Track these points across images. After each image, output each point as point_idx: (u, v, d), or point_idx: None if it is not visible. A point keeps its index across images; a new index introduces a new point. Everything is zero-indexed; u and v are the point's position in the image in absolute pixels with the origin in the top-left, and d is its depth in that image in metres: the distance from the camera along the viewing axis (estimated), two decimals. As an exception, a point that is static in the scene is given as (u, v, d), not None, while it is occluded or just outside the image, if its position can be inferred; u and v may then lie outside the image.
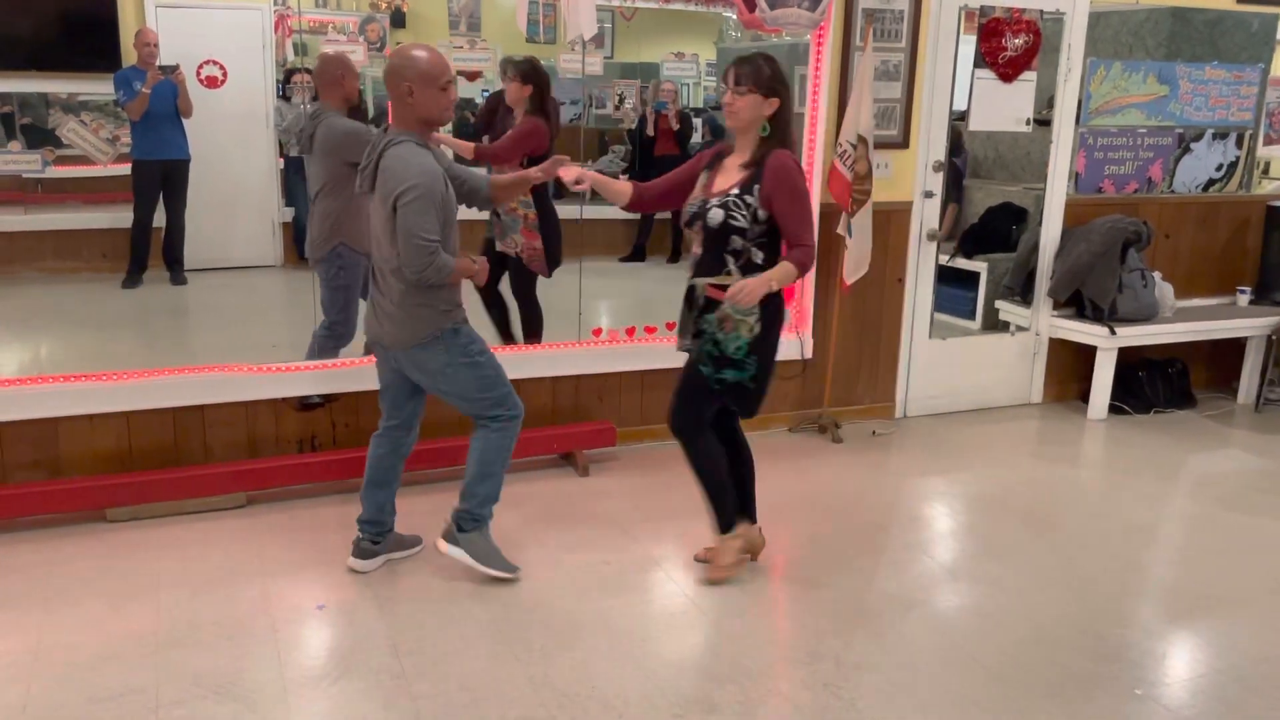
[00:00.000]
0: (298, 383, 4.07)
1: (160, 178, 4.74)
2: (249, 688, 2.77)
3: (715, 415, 3.34)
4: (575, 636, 3.08)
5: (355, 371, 4.12)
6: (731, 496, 3.42)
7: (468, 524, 3.37)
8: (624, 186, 3.40)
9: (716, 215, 3.14)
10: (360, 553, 3.45)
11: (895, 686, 2.88)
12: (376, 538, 3.47)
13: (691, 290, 3.28)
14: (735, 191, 3.14)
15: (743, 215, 3.12)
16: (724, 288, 3.12)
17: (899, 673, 2.95)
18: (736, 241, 3.15)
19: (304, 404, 4.14)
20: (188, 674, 2.81)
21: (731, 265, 3.17)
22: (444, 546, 3.38)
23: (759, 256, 3.17)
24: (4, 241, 4.56)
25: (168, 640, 2.98)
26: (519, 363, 4.40)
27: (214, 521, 3.81)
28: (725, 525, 3.43)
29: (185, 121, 4.75)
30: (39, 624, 3.07)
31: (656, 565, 3.57)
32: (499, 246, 4.65)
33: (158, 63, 4.57)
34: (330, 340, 4.23)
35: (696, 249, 3.26)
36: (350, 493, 4.07)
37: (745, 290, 3.03)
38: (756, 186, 3.12)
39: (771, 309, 3.19)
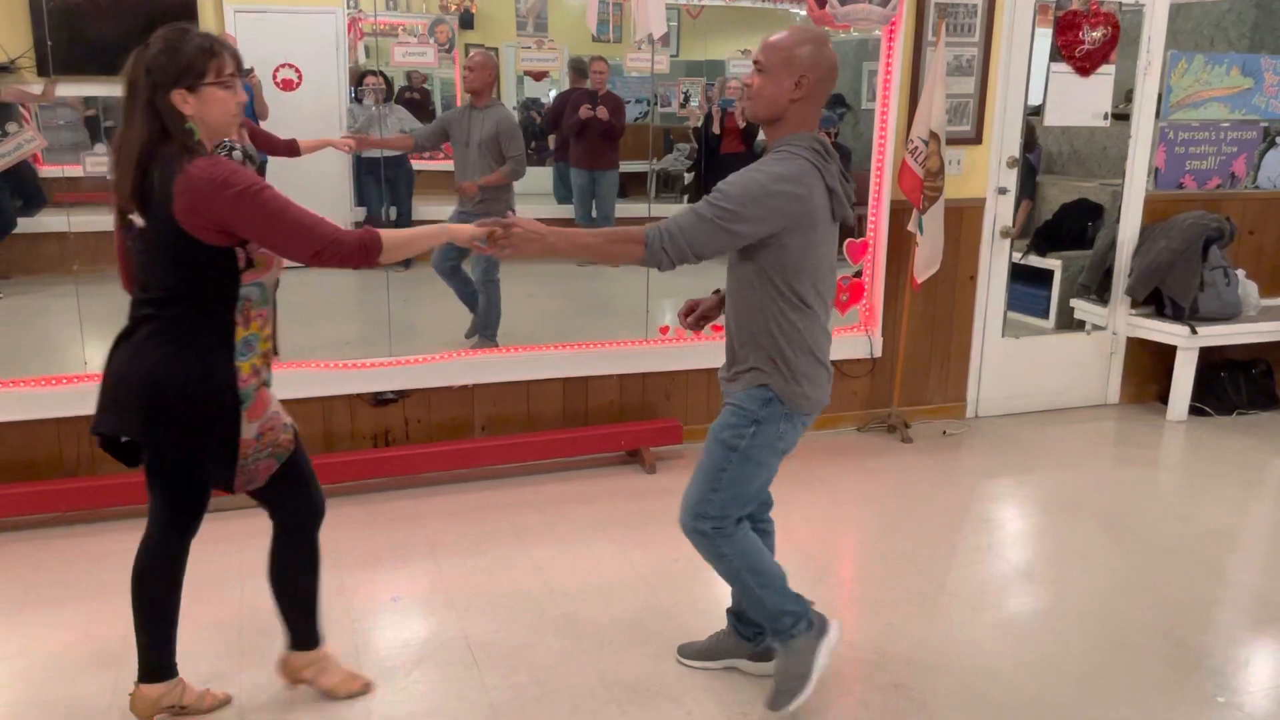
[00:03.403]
0: (374, 379, 4.15)
1: None
2: (327, 676, 2.84)
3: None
4: (645, 632, 3.10)
5: (428, 368, 4.20)
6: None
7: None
8: None
9: None
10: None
11: (967, 689, 2.84)
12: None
13: None
14: None
15: None
16: None
17: (971, 675, 2.92)
18: None
19: (379, 400, 4.22)
20: (269, 662, 2.88)
21: None
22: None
23: None
24: (91, 241, 4.70)
25: (251, 629, 3.06)
26: (587, 361, 4.44)
27: (292, 514, 3.90)
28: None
29: (262, 124, 4.86)
30: (128, 611, 3.16)
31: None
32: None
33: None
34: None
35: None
36: (422, 486, 4.16)
37: None
38: None
39: None
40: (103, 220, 4.80)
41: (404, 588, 3.37)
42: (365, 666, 2.88)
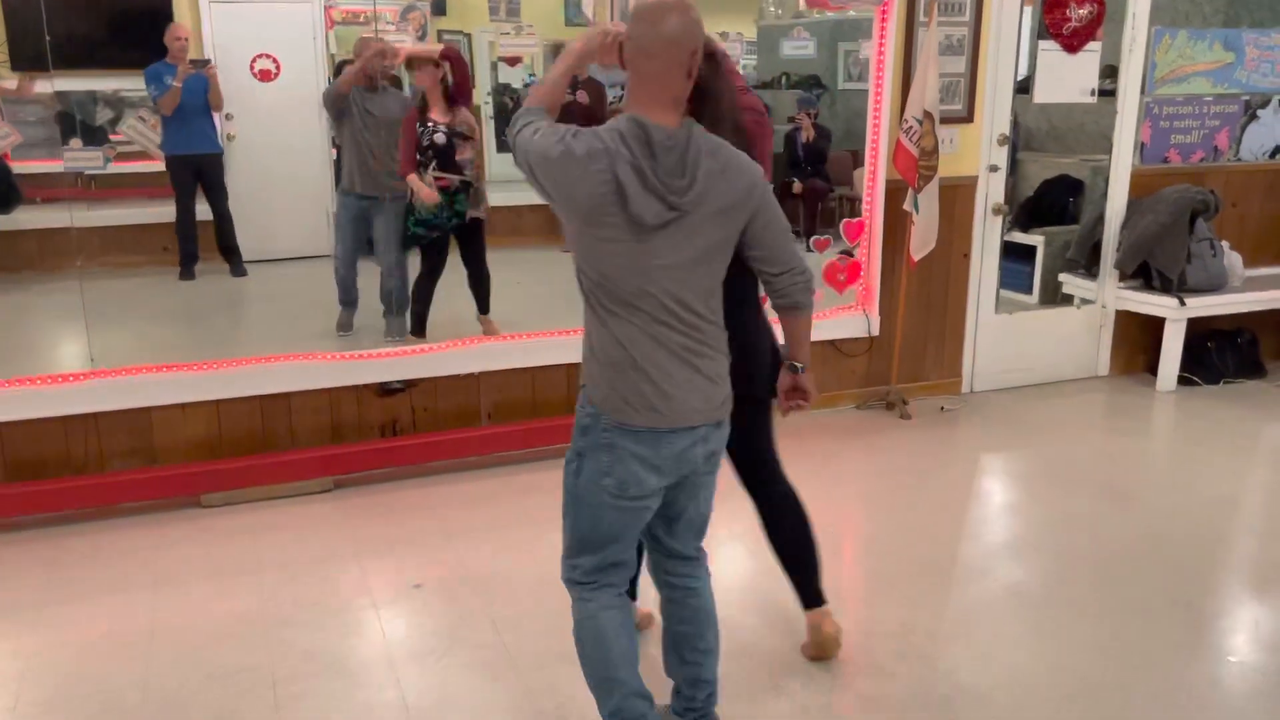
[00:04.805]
0: (379, 369, 4.14)
1: (193, 172, 4.75)
2: (359, 664, 2.85)
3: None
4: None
5: (435, 358, 4.20)
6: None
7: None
8: None
9: None
10: None
11: (988, 657, 2.90)
12: None
13: None
14: None
15: None
16: None
17: (990, 643, 2.98)
18: None
19: (385, 390, 4.21)
20: (298, 651, 2.89)
21: None
22: None
23: None
24: (70, 237, 4.66)
25: (275, 620, 3.06)
26: (553, 349, 4.40)
27: (304, 505, 3.90)
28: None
29: (239, 114, 4.81)
30: (150, 606, 3.16)
31: (736, 539, 3.60)
32: (471, 213, 4.60)
33: (189, 57, 4.60)
34: None
35: None
36: (432, 475, 4.16)
37: None
38: None
39: None
40: (77, 216, 4.75)
41: (424, 574, 3.37)
42: (394, 653, 2.90)
